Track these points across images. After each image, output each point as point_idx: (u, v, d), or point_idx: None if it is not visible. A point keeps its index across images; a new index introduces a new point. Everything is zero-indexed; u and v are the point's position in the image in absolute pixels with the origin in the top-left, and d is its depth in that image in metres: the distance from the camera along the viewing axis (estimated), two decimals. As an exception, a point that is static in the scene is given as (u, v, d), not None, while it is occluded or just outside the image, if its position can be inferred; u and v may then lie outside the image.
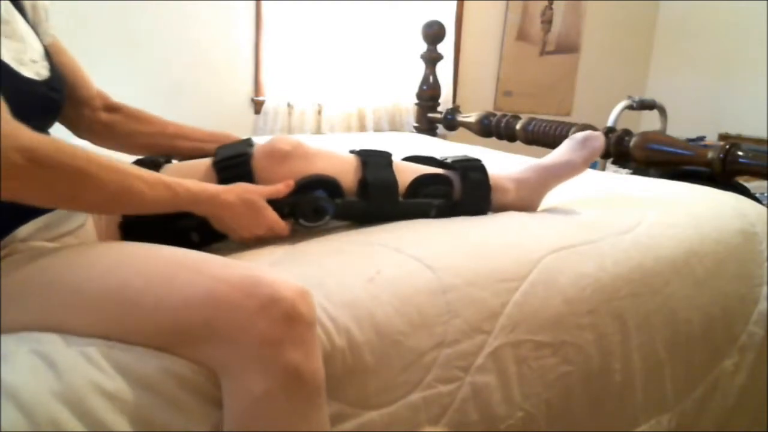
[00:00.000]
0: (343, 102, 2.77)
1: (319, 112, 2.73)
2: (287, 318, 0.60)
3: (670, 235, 1.07)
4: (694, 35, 3.70)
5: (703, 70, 3.67)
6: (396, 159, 1.03)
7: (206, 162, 0.93)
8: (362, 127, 2.85)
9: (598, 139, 1.13)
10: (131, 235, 0.85)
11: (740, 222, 1.19)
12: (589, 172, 1.58)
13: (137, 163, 0.93)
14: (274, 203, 0.87)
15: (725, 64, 3.56)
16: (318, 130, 2.73)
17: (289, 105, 2.67)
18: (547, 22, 3.45)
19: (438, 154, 1.13)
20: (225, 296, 0.61)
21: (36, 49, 0.83)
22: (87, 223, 0.87)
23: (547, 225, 1.02)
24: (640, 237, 1.03)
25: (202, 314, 0.61)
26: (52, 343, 0.61)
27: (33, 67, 0.80)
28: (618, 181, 1.45)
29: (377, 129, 2.89)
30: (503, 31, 3.35)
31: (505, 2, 3.31)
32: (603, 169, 2.40)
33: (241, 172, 0.90)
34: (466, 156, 1.11)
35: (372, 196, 0.95)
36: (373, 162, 0.98)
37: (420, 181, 1.00)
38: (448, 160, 1.09)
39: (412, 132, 2.51)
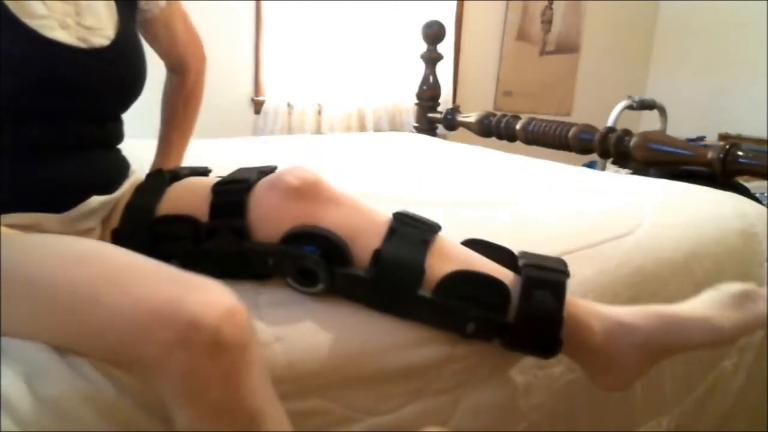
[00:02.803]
0: (343, 102, 2.77)
1: (319, 112, 2.73)
2: (210, 348, 0.53)
3: (670, 237, 1.06)
4: (694, 35, 3.70)
5: (703, 70, 3.67)
6: (448, 237, 0.77)
7: (210, 182, 0.81)
8: (362, 127, 2.85)
9: (764, 301, 0.76)
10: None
11: (740, 222, 1.19)
12: (589, 172, 1.59)
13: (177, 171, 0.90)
14: (259, 250, 0.73)
15: (725, 64, 3.56)
16: (318, 130, 2.73)
17: (289, 105, 2.67)
18: (547, 22, 3.45)
19: (518, 245, 0.81)
20: (141, 326, 0.54)
21: (99, 16, 0.79)
22: (96, 230, 0.83)
23: (546, 230, 1.02)
24: (640, 239, 1.03)
25: (123, 343, 0.55)
26: (38, 352, 0.60)
27: (79, 32, 0.76)
28: (618, 181, 1.45)
29: (377, 129, 2.89)
30: (503, 31, 3.35)
31: (505, 2, 3.31)
32: (603, 168, 2.40)
33: (233, 201, 0.76)
34: (551, 258, 0.78)
35: (380, 277, 0.70)
36: (404, 231, 0.73)
37: (458, 279, 0.71)
38: (522, 261, 0.76)
39: (412, 132, 2.51)
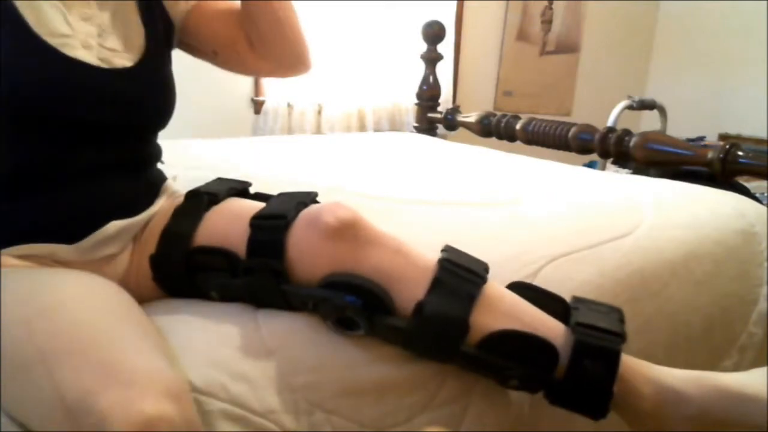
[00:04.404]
0: (343, 102, 2.77)
1: (319, 112, 2.73)
2: None
3: (670, 237, 1.06)
4: (694, 35, 3.70)
5: (703, 70, 3.67)
6: (496, 285, 0.73)
7: (249, 210, 0.77)
8: (362, 127, 2.86)
9: None
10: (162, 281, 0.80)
11: (740, 222, 1.19)
12: (589, 172, 1.58)
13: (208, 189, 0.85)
14: (298, 294, 0.71)
15: (725, 64, 3.56)
16: (318, 130, 2.73)
17: (289, 105, 2.67)
18: (547, 22, 3.45)
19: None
20: (55, 420, 0.51)
21: (122, 41, 0.79)
22: (120, 254, 0.81)
23: (545, 231, 1.01)
24: (640, 239, 1.03)
25: (42, 426, 0.53)
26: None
27: (101, 53, 0.76)
28: (618, 181, 1.45)
29: (377, 129, 2.89)
30: (503, 31, 3.35)
31: (505, 2, 3.31)
32: (603, 168, 2.40)
33: (270, 239, 0.72)
34: (608, 310, 0.74)
35: (421, 330, 0.68)
36: (449, 283, 0.69)
37: (504, 338, 0.68)
38: (575, 317, 0.72)
39: (412, 132, 2.51)
